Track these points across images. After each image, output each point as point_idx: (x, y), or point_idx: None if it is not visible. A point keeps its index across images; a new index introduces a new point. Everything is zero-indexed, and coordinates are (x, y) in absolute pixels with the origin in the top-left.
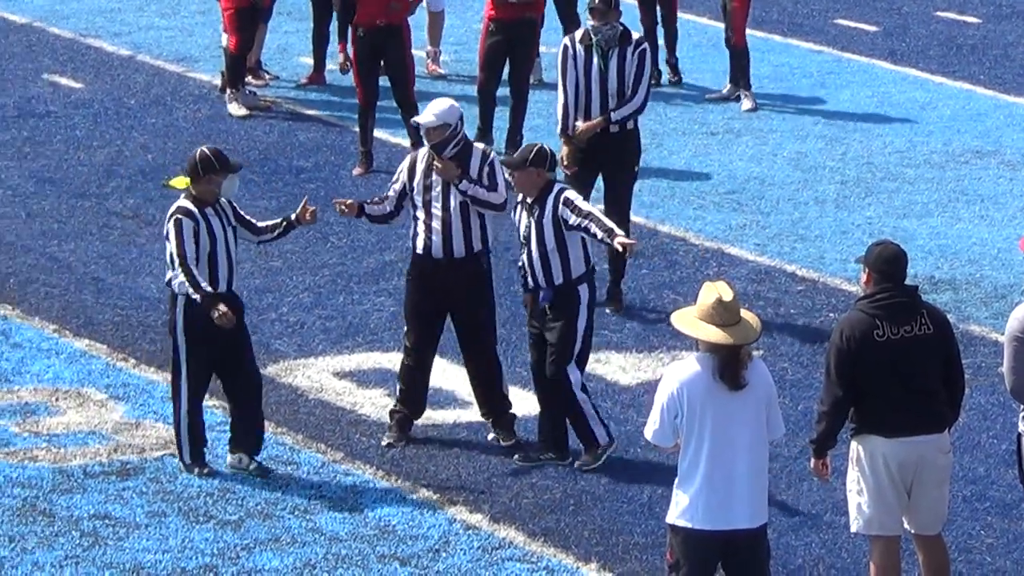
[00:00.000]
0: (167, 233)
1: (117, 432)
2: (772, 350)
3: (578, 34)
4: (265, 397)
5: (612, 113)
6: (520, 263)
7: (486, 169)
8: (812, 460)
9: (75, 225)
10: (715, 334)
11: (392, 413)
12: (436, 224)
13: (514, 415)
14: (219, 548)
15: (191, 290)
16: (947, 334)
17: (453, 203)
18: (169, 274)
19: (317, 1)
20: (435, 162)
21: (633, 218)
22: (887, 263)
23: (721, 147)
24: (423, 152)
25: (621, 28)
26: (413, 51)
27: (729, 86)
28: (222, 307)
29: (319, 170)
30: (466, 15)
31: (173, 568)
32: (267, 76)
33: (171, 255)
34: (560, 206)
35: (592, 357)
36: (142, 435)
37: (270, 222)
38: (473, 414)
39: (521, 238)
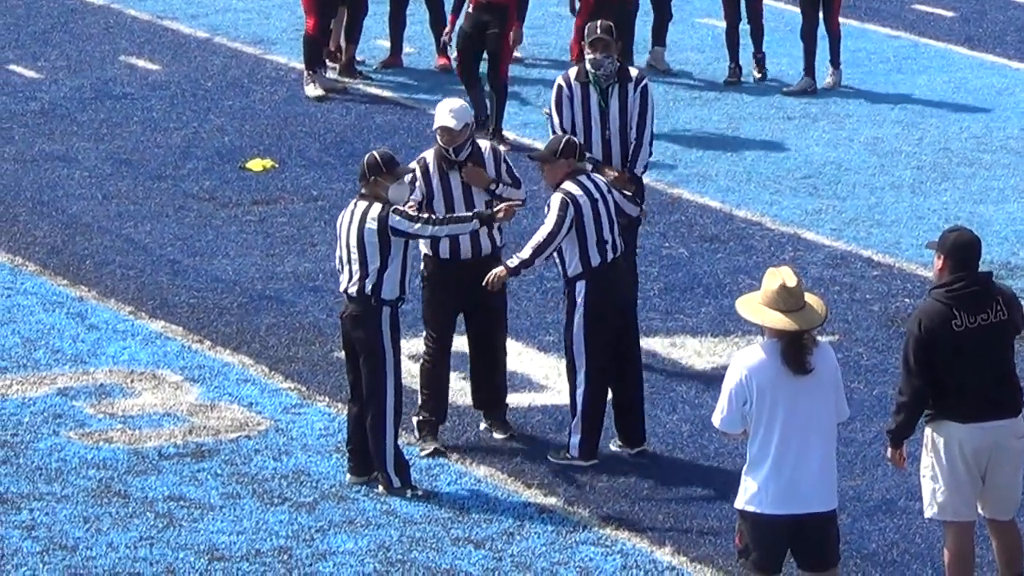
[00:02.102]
0: (378, 231)
1: (192, 414)
2: (847, 335)
3: (572, 72)
4: (340, 382)
5: (634, 170)
6: None
7: (503, 165)
8: (889, 450)
9: (151, 207)
10: (779, 320)
11: (421, 424)
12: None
13: (507, 405)
14: (293, 530)
15: (462, 225)
16: (1020, 314)
17: (478, 203)
18: (366, 282)
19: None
20: (463, 172)
21: (709, 202)
22: (962, 249)
23: (798, 132)
24: (431, 157)
25: (619, 63)
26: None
27: (804, 78)
28: (496, 211)
29: (396, 152)
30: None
31: (247, 550)
32: (352, 73)
33: (381, 255)
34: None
35: (667, 341)
36: (217, 417)
37: None
38: (548, 397)
39: None
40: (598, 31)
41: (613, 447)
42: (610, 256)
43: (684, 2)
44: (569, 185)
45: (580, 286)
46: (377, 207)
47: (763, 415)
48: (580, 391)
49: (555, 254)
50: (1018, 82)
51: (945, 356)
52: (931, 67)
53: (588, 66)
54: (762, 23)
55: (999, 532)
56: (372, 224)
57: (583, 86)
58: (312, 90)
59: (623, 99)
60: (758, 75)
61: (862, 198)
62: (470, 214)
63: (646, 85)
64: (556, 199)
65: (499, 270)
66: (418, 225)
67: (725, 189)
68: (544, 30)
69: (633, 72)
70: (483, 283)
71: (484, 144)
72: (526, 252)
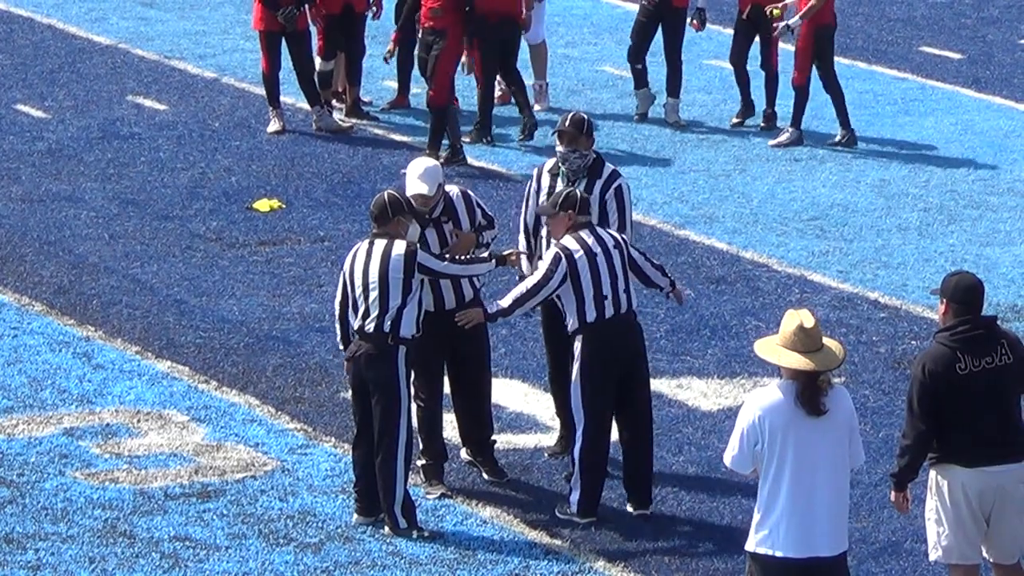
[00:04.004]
0: (404, 267)
1: (198, 454)
2: (854, 377)
3: (549, 163)
4: (346, 423)
5: None
6: None
7: (477, 211)
8: (892, 493)
9: (158, 247)
10: (797, 360)
11: (426, 468)
12: (443, 280)
13: (495, 441)
14: (299, 571)
15: (481, 266)
16: None
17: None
18: (385, 319)
19: (403, 26)
20: (453, 249)
21: (716, 243)
22: (966, 292)
23: (804, 173)
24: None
25: (593, 157)
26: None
27: (791, 130)
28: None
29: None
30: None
31: None
32: (357, 115)
33: (403, 292)
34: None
35: (673, 383)
36: (223, 457)
37: None
38: (554, 439)
39: None
40: (566, 123)
41: (629, 507)
42: (609, 312)
43: (691, 44)
44: (567, 240)
45: (578, 343)
46: (402, 244)
47: (774, 456)
48: (578, 447)
49: (561, 308)
50: None
51: (949, 400)
52: (938, 109)
53: (558, 158)
54: (776, 72)
55: None
56: (399, 261)
57: (552, 177)
58: (271, 126)
59: (588, 193)
60: (764, 126)
61: (869, 240)
62: (487, 255)
63: (620, 186)
64: (549, 254)
65: (477, 313)
66: (444, 263)
67: (732, 231)
68: (551, 71)
69: (607, 171)
70: (457, 320)
71: (453, 192)
72: (506, 301)
